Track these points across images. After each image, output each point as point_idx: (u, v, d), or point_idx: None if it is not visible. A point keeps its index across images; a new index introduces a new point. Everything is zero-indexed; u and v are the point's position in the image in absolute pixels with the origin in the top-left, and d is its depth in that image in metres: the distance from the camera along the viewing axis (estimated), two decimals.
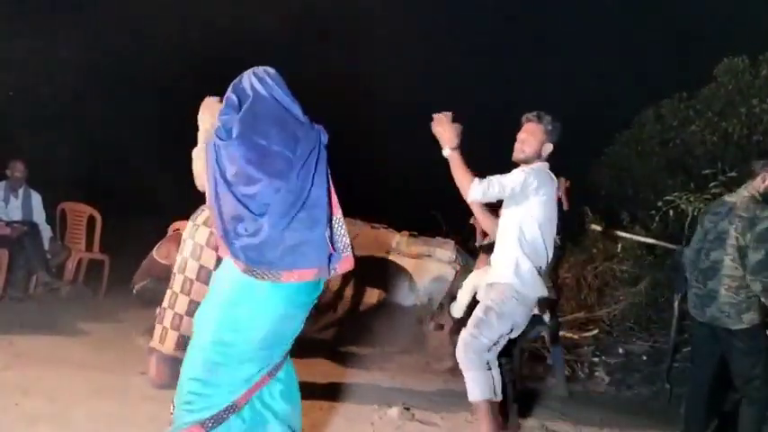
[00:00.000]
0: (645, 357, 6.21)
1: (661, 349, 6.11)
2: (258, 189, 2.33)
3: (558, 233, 3.78)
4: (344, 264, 2.50)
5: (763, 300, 3.76)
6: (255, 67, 2.51)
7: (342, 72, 11.83)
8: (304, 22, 11.72)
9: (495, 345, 3.58)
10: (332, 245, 2.45)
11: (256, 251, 2.33)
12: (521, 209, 3.51)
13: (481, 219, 3.83)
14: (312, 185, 2.41)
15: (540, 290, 3.58)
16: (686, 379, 4.83)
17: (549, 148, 3.58)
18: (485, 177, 3.48)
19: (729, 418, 4.40)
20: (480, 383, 3.48)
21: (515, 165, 3.64)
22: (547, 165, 3.62)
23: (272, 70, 2.51)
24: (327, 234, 2.43)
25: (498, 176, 3.48)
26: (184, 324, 3.73)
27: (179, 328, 3.80)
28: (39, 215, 6.55)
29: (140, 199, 9.02)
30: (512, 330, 3.60)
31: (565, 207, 4.60)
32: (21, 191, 6.47)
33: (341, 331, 6.42)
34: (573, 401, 5.32)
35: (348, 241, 2.53)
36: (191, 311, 3.59)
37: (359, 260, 7.69)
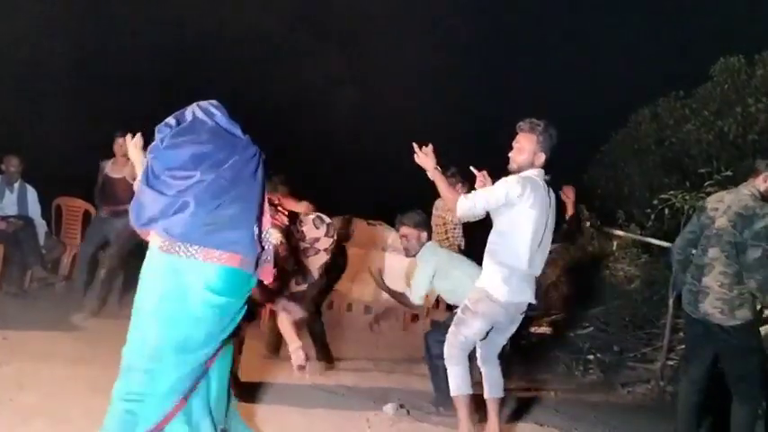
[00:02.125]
0: (639, 355, 6.23)
1: (656, 347, 6.12)
2: (190, 183, 2.34)
3: (554, 241, 3.79)
4: (266, 272, 2.52)
5: (757, 297, 3.78)
6: (200, 101, 2.55)
7: (340, 71, 11.83)
8: (304, 22, 11.72)
9: (483, 341, 3.74)
10: (260, 245, 2.47)
11: (180, 227, 2.33)
12: (506, 218, 3.55)
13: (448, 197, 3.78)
14: (247, 185, 2.43)
15: (518, 296, 3.59)
16: (680, 376, 4.85)
17: (541, 157, 3.60)
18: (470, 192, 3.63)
19: (722, 416, 4.42)
20: (460, 378, 3.63)
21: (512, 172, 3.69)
22: (541, 172, 3.63)
23: (215, 102, 2.55)
24: (256, 233, 2.44)
25: (483, 191, 3.57)
26: None
27: None
28: (34, 210, 6.52)
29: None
30: (493, 329, 3.69)
31: (569, 213, 4.60)
32: (16, 185, 6.45)
33: (335, 329, 6.42)
34: (567, 398, 5.34)
35: (272, 254, 2.55)
36: None
37: (355, 257, 7.62)
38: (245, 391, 4.04)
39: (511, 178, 3.54)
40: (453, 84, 12.53)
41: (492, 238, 3.63)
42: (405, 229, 4.58)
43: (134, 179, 5.83)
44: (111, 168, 6.16)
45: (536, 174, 3.59)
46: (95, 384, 3.70)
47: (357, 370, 5.32)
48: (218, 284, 2.37)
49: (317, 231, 3.67)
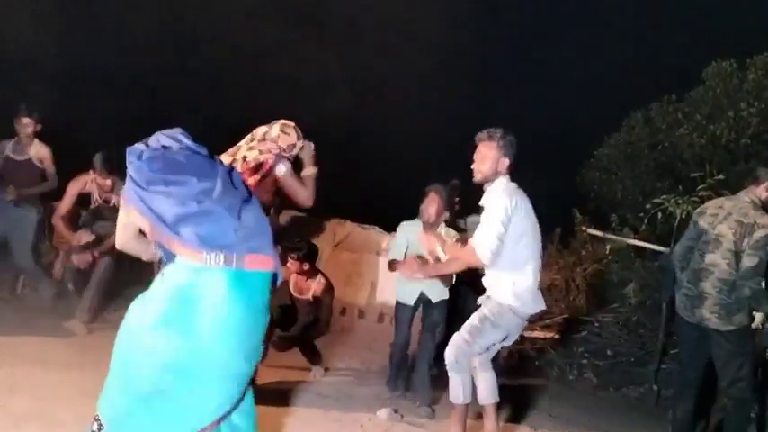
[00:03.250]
0: (633, 359, 6.24)
1: (649, 351, 6.14)
2: (192, 188, 2.27)
3: None
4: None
5: (752, 304, 3.80)
6: (163, 130, 2.51)
7: (338, 73, 11.82)
8: (302, 24, 11.71)
9: (487, 350, 3.72)
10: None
11: (216, 233, 2.25)
12: (508, 233, 3.50)
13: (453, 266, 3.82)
14: (248, 192, 2.41)
15: (538, 304, 3.63)
16: (674, 380, 4.86)
17: (505, 162, 3.58)
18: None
19: (716, 420, 4.43)
20: (463, 387, 3.63)
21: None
22: (507, 177, 3.61)
23: (179, 129, 2.52)
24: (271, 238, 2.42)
25: (486, 228, 3.47)
26: None
27: None
28: None
29: None
30: (505, 338, 3.70)
31: None
32: None
33: (329, 333, 6.41)
34: (561, 402, 5.34)
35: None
36: None
37: (348, 261, 7.57)
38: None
39: (498, 194, 3.52)
40: (449, 84, 12.56)
41: (504, 255, 3.53)
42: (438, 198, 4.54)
43: (41, 161, 5.59)
44: (13, 149, 5.67)
45: (507, 181, 3.59)
46: (87, 389, 3.68)
47: (351, 374, 5.31)
48: (265, 290, 2.35)
49: (290, 138, 3.60)
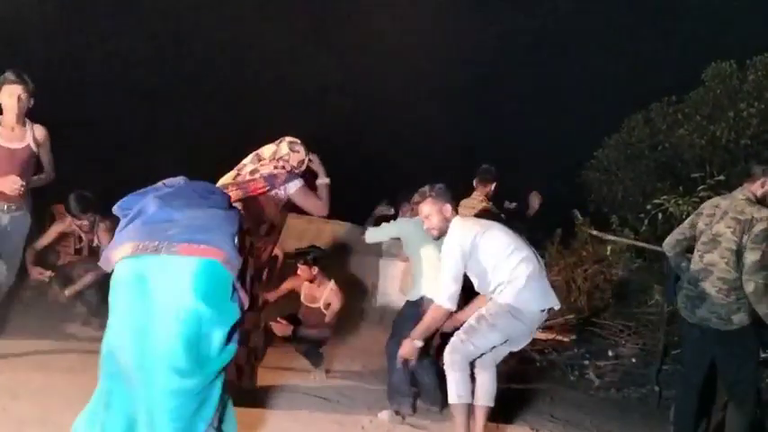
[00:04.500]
0: (634, 360, 6.24)
1: (650, 352, 6.13)
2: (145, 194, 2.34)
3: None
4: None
5: (751, 300, 3.77)
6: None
7: (339, 78, 11.84)
8: (303, 30, 11.75)
9: (491, 351, 3.70)
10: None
11: (149, 227, 2.25)
12: (479, 265, 3.61)
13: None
14: (219, 202, 2.42)
15: (542, 301, 3.63)
16: (675, 381, 4.85)
17: (447, 209, 3.76)
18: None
19: (718, 420, 4.43)
20: (460, 386, 3.60)
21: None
22: (457, 217, 3.77)
23: (182, 177, 2.59)
24: (237, 245, 2.35)
25: (442, 276, 3.62)
26: None
27: None
28: None
29: None
30: (506, 342, 3.68)
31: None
32: None
33: (331, 335, 6.41)
34: (562, 404, 5.34)
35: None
36: None
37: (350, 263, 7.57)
38: (244, 396, 4.05)
39: (448, 238, 3.65)
40: (448, 86, 12.57)
41: (495, 278, 3.61)
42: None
43: (38, 145, 4.22)
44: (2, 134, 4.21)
45: (458, 220, 3.75)
46: (89, 394, 3.68)
47: (352, 376, 5.32)
48: (203, 282, 2.23)
49: (300, 154, 3.62)
